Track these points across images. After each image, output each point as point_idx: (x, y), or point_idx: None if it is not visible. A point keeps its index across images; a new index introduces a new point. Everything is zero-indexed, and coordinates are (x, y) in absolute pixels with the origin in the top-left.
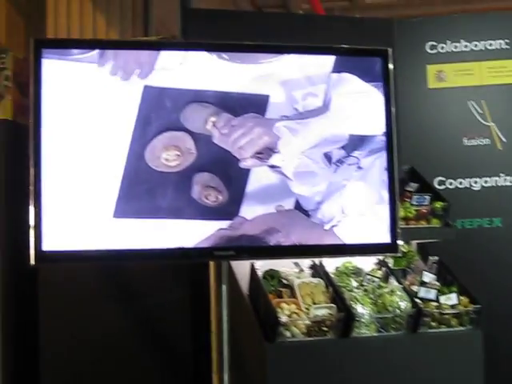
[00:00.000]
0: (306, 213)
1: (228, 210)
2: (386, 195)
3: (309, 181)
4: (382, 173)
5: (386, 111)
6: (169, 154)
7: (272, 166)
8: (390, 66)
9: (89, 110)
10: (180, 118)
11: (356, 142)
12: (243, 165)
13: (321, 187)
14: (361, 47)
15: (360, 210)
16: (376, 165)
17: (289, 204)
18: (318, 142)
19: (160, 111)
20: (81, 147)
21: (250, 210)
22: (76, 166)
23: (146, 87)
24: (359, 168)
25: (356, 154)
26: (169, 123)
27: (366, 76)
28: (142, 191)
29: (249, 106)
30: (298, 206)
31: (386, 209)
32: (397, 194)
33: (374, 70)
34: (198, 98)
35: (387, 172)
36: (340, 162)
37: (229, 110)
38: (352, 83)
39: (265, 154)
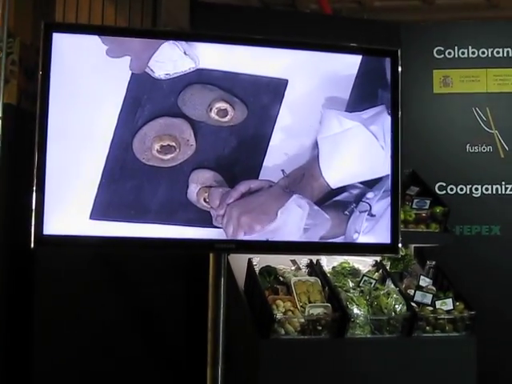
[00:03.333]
0: None
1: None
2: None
3: None
4: None
5: (392, 118)
6: (162, 145)
7: None
8: (399, 69)
9: (87, 89)
10: (178, 102)
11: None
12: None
13: None
14: (370, 46)
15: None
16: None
17: None
18: None
19: (154, 92)
20: (79, 130)
21: None
22: (74, 151)
23: None
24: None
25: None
26: (164, 107)
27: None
28: (127, 189)
29: (263, 91)
30: None
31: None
32: (398, 196)
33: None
34: (202, 78)
35: (391, 172)
36: None
37: (239, 96)
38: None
39: None
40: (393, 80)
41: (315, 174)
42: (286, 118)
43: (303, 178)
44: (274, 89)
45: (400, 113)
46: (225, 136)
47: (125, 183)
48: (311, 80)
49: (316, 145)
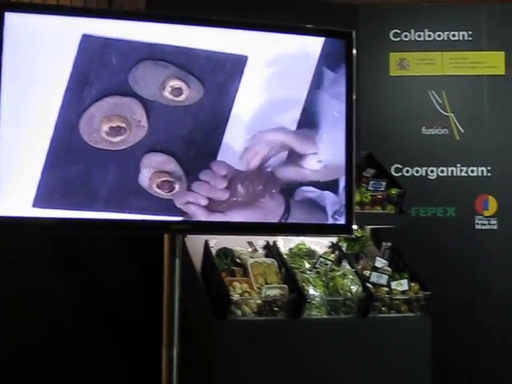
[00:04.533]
0: None
1: None
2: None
3: None
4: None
5: (347, 100)
6: (111, 127)
7: None
8: (354, 51)
9: (34, 68)
10: (128, 80)
11: None
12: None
13: None
14: (324, 27)
15: None
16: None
17: None
18: None
19: (102, 69)
20: (23, 111)
21: None
22: (17, 133)
23: (84, 36)
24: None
25: None
26: (113, 85)
27: None
28: (73, 174)
29: (221, 68)
30: None
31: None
32: (353, 177)
33: None
34: (154, 54)
35: (345, 154)
36: None
37: (194, 73)
38: None
39: None
40: (347, 62)
41: None
42: (245, 96)
43: None
44: (233, 66)
45: (355, 96)
46: (180, 116)
47: (71, 168)
48: (272, 59)
49: None
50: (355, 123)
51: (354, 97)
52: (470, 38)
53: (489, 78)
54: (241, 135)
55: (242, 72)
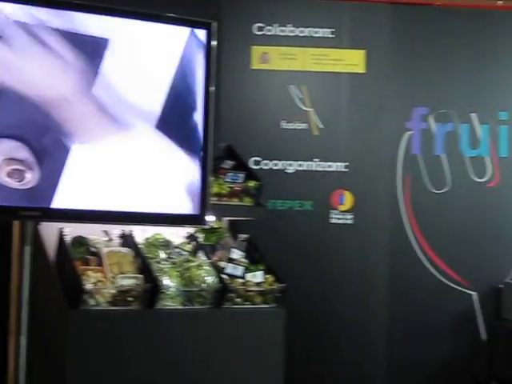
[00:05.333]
0: None
1: (38, 197)
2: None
3: None
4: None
5: (205, 91)
6: None
7: None
8: (214, 43)
9: None
10: None
11: None
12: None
13: None
14: (185, 17)
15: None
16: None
17: None
18: None
19: None
20: None
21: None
22: None
23: None
24: None
25: None
26: None
27: None
28: None
29: (82, 49)
30: None
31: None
32: (209, 169)
33: None
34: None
35: (202, 146)
36: None
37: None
38: None
39: None
40: (207, 52)
41: None
42: (107, 78)
43: None
44: (94, 48)
45: (214, 87)
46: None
47: None
48: (135, 44)
49: None
50: (213, 114)
51: (212, 88)
52: (332, 36)
53: (349, 75)
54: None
55: (103, 55)
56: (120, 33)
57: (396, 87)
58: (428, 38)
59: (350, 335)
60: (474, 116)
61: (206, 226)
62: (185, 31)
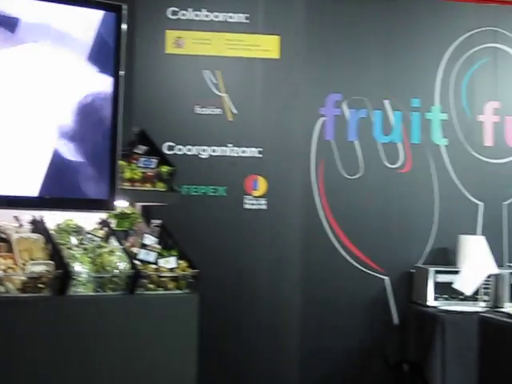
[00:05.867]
0: None
1: None
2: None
3: None
4: None
5: (115, 76)
6: None
7: None
8: (124, 26)
9: None
10: None
11: None
12: None
13: None
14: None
15: None
16: None
17: None
18: None
19: None
20: None
21: None
22: None
23: None
24: None
25: None
26: None
27: None
28: None
29: None
30: None
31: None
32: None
33: None
34: None
35: (111, 131)
36: None
37: None
38: None
39: None
40: (116, 36)
41: None
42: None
43: None
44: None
45: (123, 72)
46: None
47: None
48: (46, 25)
49: None
50: (123, 99)
51: (122, 72)
52: (247, 21)
53: (263, 60)
54: None
55: (13, 33)
56: (30, 12)
57: (310, 73)
58: (342, 25)
59: (264, 321)
60: (386, 103)
61: (116, 212)
62: (97, 14)
